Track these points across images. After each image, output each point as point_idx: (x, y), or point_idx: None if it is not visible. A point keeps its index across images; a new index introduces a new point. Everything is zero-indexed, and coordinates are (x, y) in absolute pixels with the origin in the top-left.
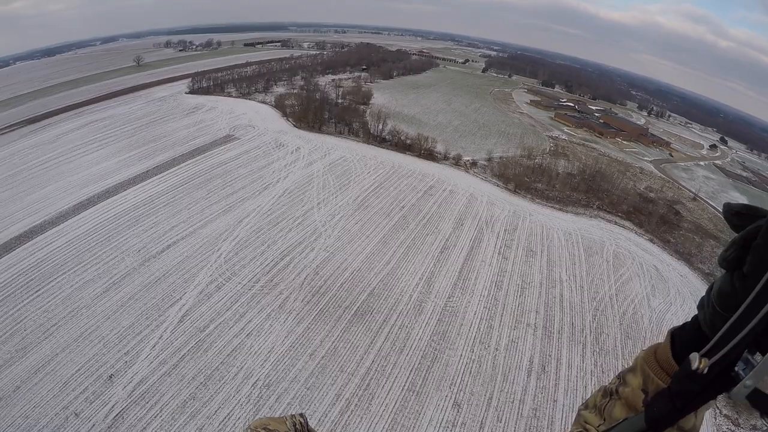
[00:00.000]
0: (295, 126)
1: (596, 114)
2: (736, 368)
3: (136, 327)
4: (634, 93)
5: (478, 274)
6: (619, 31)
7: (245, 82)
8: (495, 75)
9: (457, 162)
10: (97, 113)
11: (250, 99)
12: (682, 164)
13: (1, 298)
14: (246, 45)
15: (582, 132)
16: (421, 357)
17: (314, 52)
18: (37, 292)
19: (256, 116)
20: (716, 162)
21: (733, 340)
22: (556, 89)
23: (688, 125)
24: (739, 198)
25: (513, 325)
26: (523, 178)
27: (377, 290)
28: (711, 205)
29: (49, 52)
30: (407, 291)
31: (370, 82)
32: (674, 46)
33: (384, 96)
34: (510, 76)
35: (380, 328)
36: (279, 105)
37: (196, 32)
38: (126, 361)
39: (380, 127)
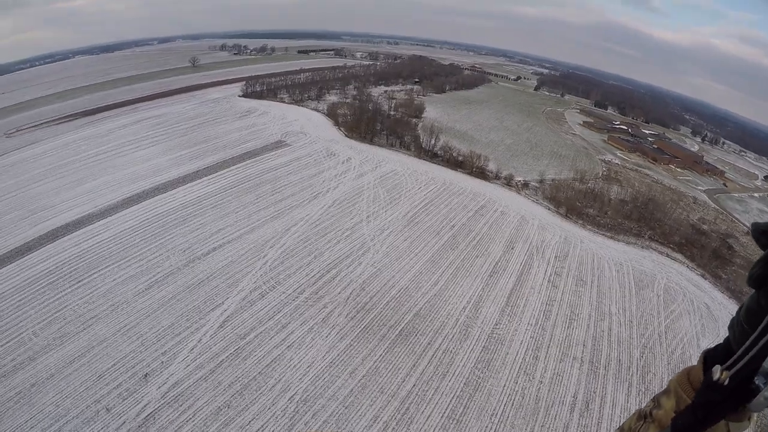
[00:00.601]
0: (346, 136)
1: (650, 139)
2: (755, 381)
3: (176, 328)
4: (687, 117)
5: (527, 302)
6: (673, 53)
7: (298, 89)
8: (547, 94)
9: (508, 182)
10: (150, 110)
11: (302, 106)
12: (737, 195)
13: (45, 284)
14: (299, 52)
15: (635, 157)
16: (464, 384)
17: (367, 63)
18: (79, 282)
19: (308, 123)
20: None
21: (751, 352)
22: (608, 111)
23: (743, 153)
24: None
25: (559, 357)
26: (575, 202)
27: (423, 311)
28: None
29: (107, 49)
30: (454, 314)
31: (423, 95)
32: (730, 70)
33: (436, 110)
34: (562, 95)
35: (424, 350)
36: (331, 113)
37: (251, 37)
38: (162, 362)
39: (432, 141)
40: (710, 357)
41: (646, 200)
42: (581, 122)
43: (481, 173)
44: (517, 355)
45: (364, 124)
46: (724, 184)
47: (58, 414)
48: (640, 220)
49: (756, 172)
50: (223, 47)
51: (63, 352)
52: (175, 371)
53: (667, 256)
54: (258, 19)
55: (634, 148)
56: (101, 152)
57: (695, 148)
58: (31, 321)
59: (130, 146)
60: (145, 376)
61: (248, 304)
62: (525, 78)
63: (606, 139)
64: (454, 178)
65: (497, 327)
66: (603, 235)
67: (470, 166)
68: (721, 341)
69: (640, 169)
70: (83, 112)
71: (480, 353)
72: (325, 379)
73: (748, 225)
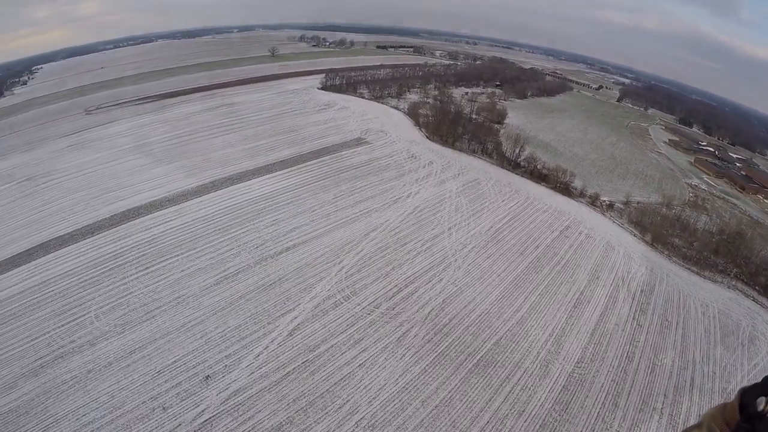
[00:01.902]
0: (427, 137)
1: (737, 164)
2: None
3: (243, 330)
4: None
5: (611, 339)
6: (761, 68)
7: (378, 85)
8: (630, 106)
9: (593, 201)
10: (228, 97)
11: (382, 103)
12: None
13: (112, 267)
14: (378, 47)
15: (722, 183)
16: (540, 426)
17: (447, 62)
18: (147, 269)
19: (389, 122)
20: None
21: None
22: (693, 129)
23: None
24: None
25: (639, 407)
26: (661, 229)
27: (504, 340)
28: None
29: (189, 34)
30: (535, 347)
31: (504, 100)
32: None
33: (518, 117)
34: (646, 109)
35: (501, 384)
36: (412, 113)
37: (330, 29)
38: (226, 365)
39: (516, 151)
40: (747, 394)
41: (733, 234)
42: (667, 140)
43: (566, 189)
44: (596, 399)
45: (445, 127)
46: None
47: (113, 405)
48: (727, 255)
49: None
50: (302, 38)
51: (123, 341)
52: (238, 377)
53: (754, 300)
54: (338, 11)
55: (722, 174)
56: (177, 136)
57: None
58: (95, 303)
59: (205, 132)
60: (206, 378)
61: (321, 313)
62: (607, 88)
63: (692, 161)
64: (538, 192)
65: (579, 366)
66: (689, 269)
67: (555, 181)
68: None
69: (726, 197)
70: (162, 95)
71: (559, 393)
72: (396, 405)
73: None
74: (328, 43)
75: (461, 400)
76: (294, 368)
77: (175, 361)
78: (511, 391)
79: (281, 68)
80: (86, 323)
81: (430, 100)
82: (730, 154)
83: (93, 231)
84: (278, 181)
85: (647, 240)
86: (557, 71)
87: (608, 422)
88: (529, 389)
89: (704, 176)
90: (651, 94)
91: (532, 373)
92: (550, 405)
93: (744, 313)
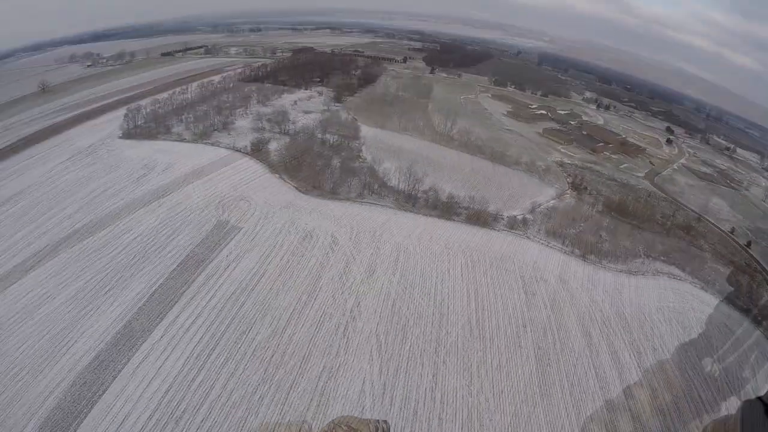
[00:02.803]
0: (299, 191)
1: (572, 122)
2: None
3: None
4: (561, 77)
5: None
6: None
7: (192, 114)
8: (445, 75)
9: (512, 225)
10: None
11: (212, 144)
12: (664, 173)
13: None
14: (164, 55)
15: (575, 149)
16: None
17: (249, 60)
18: None
19: (239, 178)
20: (683, 162)
21: None
22: (508, 88)
23: (632, 114)
24: (723, 205)
25: None
26: (581, 236)
27: None
28: (716, 227)
29: None
30: None
31: (339, 102)
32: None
33: (368, 123)
34: (459, 76)
35: None
36: (259, 153)
37: (100, 39)
38: None
39: (409, 183)
40: (747, 409)
41: (618, 209)
42: (505, 112)
43: (478, 217)
44: None
45: (308, 168)
46: (651, 162)
47: None
48: (628, 234)
49: (657, 137)
50: (72, 58)
51: None
52: None
53: (672, 276)
54: (100, 14)
55: (570, 139)
56: None
57: (600, 120)
58: None
59: None
60: None
61: None
62: (410, 58)
63: (541, 132)
64: (461, 235)
65: None
66: (620, 271)
67: (464, 210)
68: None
69: (588, 165)
70: None
71: None
72: None
73: (693, 208)
74: (105, 60)
75: None
76: None
77: None
78: None
79: (61, 109)
80: None
81: (266, 124)
82: (559, 111)
83: None
84: (157, 365)
85: (579, 254)
86: (357, 49)
87: None
88: None
89: (560, 147)
90: (449, 56)
91: None
92: None
93: (681, 301)
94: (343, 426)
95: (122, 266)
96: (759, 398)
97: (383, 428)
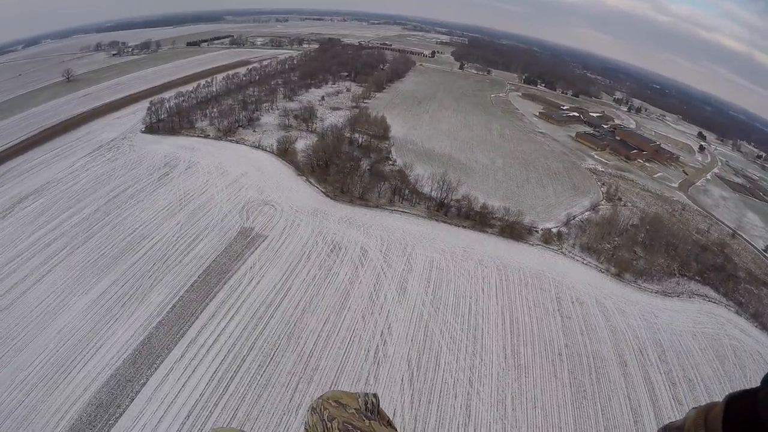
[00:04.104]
0: (328, 195)
1: (604, 126)
2: None
3: None
4: (591, 76)
5: None
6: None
7: (216, 108)
8: (474, 72)
9: (546, 240)
10: (20, 180)
11: (236, 141)
12: (698, 183)
13: None
14: (189, 44)
15: (609, 155)
16: None
17: (275, 52)
18: None
19: (264, 179)
20: (716, 171)
21: None
22: (539, 87)
23: (663, 117)
24: (756, 220)
25: None
26: (618, 253)
27: None
28: (750, 244)
29: None
30: None
31: (367, 99)
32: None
33: (396, 122)
34: (488, 72)
35: None
36: (285, 154)
37: (127, 27)
38: None
39: (441, 190)
40: (734, 401)
41: (653, 222)
42: (537, 113)
43: (513, 230)
44: None
45: (338, 170)
46: (684, 172)
47: None
48: (663, 251)
49: (689, 143)
50: (98, 47)
51: None
52: None
53: (707, 299)
54: (127, 3)
55: (604, 145)
56: None
57: (632, 124)
58: None
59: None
60: None
61: None
62: (439, 52)
63: (574, 136)
64: (495, 250)
65: None
66: (655, 293)
67: (498, 222)
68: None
69: (622, 173)
70: None
71: None
72: None
73: (728, 223)
74: (130, 49)
75: None
76: None
77: None
78: None
79: (84, 100)
80: None
81: (292, 121)
82: (591, 114)
83: None
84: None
85: (613, 272)
86: (386, 42)
87: None
88: None
89: (593, 153)
90: (478, 51)
91: None
92: None
93: (712, 324)
94: (331, 401)
95: (141, 274)
96: (746, 391)
97: (372, 401)
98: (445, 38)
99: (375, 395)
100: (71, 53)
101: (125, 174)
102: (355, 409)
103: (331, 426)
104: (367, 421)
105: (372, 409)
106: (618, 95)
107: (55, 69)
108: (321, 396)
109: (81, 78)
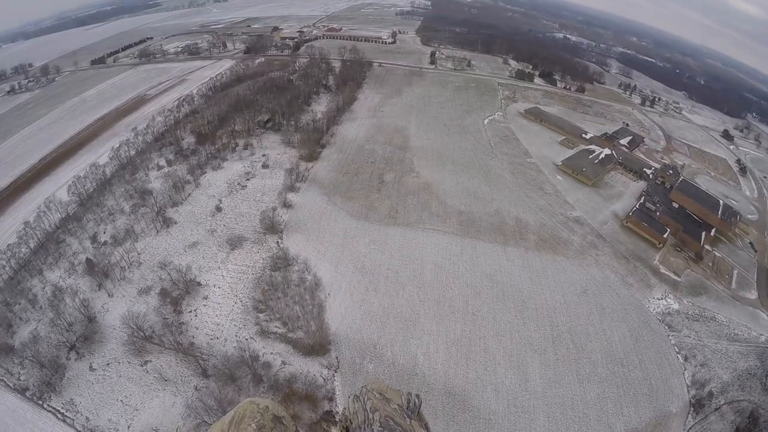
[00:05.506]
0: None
1: (650, 175)
2: None
3: None
4: (572, 39)
5: None
6: None
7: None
8: (451, 68)
9: None
10: None
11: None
12: None
13: None
14: (94, 63)
15: (674, 257)
16: None
17: (190, 66)
18: None
19: None
20: None
21: None
22: (535, 82)
23: (695, 110)
24: None
25: None
26: None
27: None
28: None
29: None
30: None
31: (297, 184)
32: None
33: (340, 272)
34: (469, 64)
35: None
36: None
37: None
38: None
39: None
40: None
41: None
42: (557, 163)
43: None
44: None
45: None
46: (751, 243)
47: None
48: None
49: (725, 157)
50: None
51: None
52: None
53: None
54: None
55: (662, 238)
56: None
57: (658, 131)
58: None
59: None
60: None
61: None
62: (401, 32)
63: (624, 222)
64: None
65: None
66: None
67: None
68: None
69: (701, 308)
70: None
71: None
72: None
73: None
74: (27, 81)
75: None
76: None
77: None
78: None
79: None
80: None
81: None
82: (621, 143)
83: None
84: None
85: None
86: (333, 27)
87: None
88: None
89: (656, 255)
90: (445, 25)
91: None
92: None
93: None
94: (375, 392)
95: None
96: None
97: (415, 401)
98: (405, 5)
99: (418, 396)
100: None
101: None
102: (398, 405)
103: (372, 417)
104: (408, 420)
105: (414, 408)
106: (621, 77)
107: None
108: (365, 385)
109: None
